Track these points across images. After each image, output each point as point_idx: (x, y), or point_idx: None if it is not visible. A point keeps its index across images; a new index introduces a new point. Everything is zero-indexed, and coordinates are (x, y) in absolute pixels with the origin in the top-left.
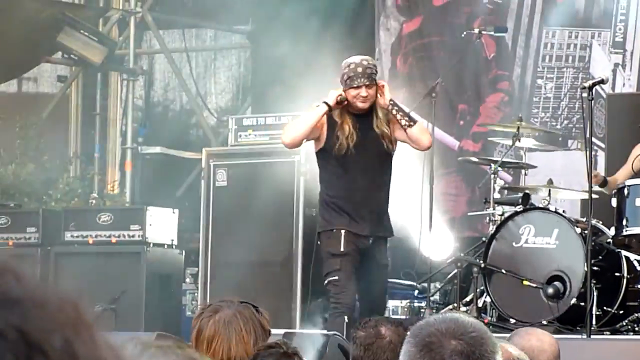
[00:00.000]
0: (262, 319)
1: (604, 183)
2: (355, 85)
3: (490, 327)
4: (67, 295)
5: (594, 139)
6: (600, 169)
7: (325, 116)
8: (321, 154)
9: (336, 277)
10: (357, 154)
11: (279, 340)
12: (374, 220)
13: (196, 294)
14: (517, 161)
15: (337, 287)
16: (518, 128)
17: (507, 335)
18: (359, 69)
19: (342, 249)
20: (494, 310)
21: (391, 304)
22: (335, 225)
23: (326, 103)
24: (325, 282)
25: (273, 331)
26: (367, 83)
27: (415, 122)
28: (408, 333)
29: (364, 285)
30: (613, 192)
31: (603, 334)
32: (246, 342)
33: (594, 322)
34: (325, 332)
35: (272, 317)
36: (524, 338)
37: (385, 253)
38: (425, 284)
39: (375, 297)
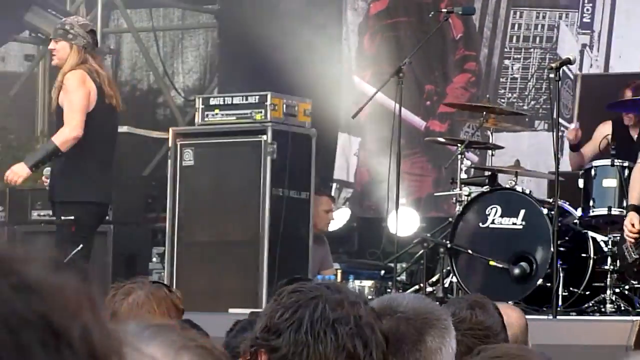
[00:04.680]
0: (175, 298)
1: (576, 147)
2: None
3: None
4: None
5: (560, 120)
6: (566, 150)
7: None
8: None
9: None
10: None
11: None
12: None
13: (162, 274)
14: (484, 142)
15: None
16: (486, 112)
17: None
18: None
19: None
20: (460, 291)
21: (357, 284)
22: None
23: None
24: None
25: (239, 310)
26: None
27: None
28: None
29: None
30: (580, 172)
31: (569, 315)
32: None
33: (560, 302)
34: None
35: (239, 296)
36: None
37: None
38: (392, 264)
39: None
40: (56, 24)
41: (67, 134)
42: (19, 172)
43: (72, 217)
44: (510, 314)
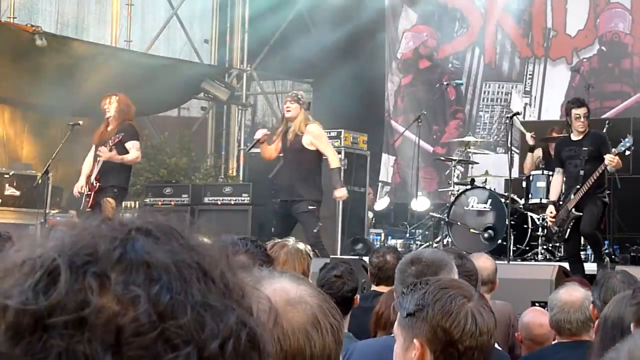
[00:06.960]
0: (309, 251)
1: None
2: None
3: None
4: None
5: (512, 147)
6: (516, 164)
7: None
8: None
9: None
10: None
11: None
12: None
13: None
14: (467, 159)
15: None
16: (468, 142)
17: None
18: None
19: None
20: (453, 246)
21: (392, 242)
22: None
23: None
24: None
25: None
26: None
27: None
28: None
29: None
30: (523, 177)
31: (517, 261)
32: (303, 264)
33: (511, 254)
34: (354, 257)
35: (326, 248)
36: (475, 258)
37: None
38: (413, 231)
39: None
40: (292, 93)
41: (335, 158)
42: (342, 193)
43: (315, 207)
44: (486, 260)
